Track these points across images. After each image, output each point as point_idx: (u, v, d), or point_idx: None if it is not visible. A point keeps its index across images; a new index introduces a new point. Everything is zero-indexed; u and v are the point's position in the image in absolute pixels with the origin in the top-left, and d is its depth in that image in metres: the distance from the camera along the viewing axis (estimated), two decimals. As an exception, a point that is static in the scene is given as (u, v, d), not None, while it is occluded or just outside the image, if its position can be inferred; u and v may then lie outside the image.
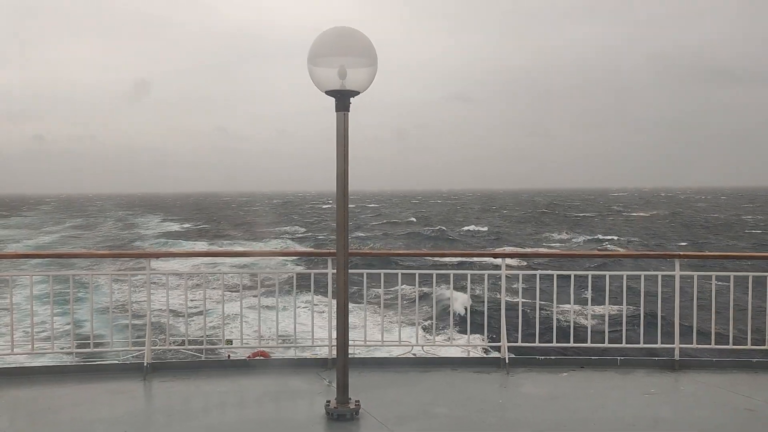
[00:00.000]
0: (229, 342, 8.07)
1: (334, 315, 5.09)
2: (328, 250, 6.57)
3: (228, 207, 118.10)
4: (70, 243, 48.70)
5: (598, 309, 6.76)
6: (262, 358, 7.90)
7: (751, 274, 6.37)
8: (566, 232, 53.63)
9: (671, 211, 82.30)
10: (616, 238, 47.40)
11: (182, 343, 7.09)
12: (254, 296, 6.88)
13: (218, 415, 5.22)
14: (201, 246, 46.03)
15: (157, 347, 6.82)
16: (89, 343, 6.45)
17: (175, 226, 68.26)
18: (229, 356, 8.29)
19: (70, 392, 5.74)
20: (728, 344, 6.44)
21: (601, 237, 49.09)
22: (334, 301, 5.13)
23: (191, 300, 7.72)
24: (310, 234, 55.79)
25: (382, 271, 6.82)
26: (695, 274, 6.53)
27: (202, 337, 7.20)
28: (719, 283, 6.48)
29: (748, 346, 6.47)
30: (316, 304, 6.84)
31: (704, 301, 6.51)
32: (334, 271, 5.73)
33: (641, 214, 76.83)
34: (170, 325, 7.02)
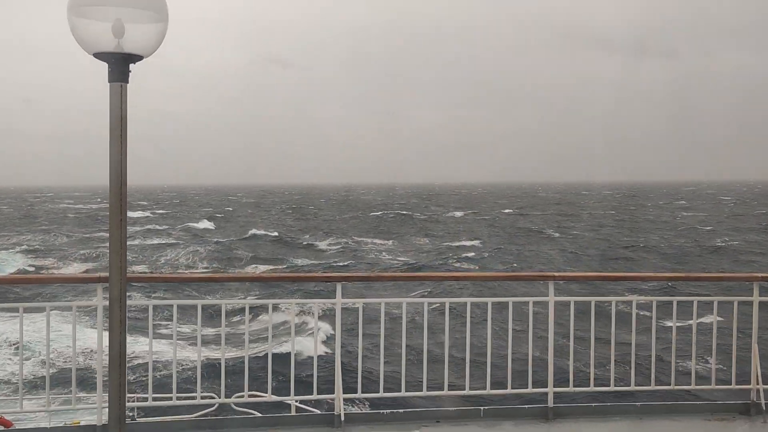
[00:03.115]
0: None
1: (106, 363, 3.72)
2: (97, 275, 5.14)
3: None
4: None
5: (456, 345, 5.45)
6: (2, 428, 5.99)
7: (635, 297, 5.46)
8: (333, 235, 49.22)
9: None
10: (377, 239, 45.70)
11: None
12: None
13: None
14: None
15: None
16: None
17: None
18: None
19: None
20: (609, 386, 5.50)
21: (362, 237, 46.72)
22: (107, 344, 3.62)
23: None
24: (56, 244, 42.44)
25: (175, 302, 5.46)
26: (572, 299, 5.47)
27: None
28: (598, 309, 5.43)
29: (632, 387, 5.53)
30: (91, 351, 4.98)
31: (583, 333, 5.45)
32: (106, 302, 4.46)
33: (456, 214, 72.20)
34: None
